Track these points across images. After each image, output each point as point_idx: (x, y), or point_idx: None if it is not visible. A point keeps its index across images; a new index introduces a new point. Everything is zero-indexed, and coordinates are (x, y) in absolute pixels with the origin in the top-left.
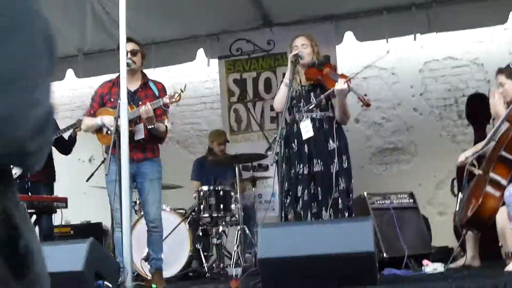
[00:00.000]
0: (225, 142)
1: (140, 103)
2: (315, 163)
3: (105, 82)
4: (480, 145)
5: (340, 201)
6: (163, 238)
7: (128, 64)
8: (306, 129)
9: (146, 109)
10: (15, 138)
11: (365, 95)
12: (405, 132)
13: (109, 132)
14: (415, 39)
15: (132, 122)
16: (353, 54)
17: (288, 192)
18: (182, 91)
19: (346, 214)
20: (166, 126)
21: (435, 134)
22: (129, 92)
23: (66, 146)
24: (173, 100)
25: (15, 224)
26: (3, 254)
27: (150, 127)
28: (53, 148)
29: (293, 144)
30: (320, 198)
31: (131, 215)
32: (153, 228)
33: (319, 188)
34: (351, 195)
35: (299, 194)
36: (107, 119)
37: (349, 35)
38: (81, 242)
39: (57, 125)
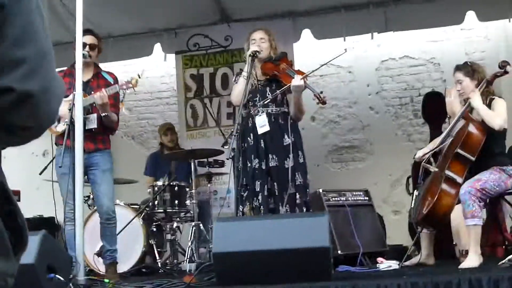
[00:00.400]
0: (170, 131)
1: (92, 92)
2: (270, 158)
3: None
4: (437, 141)
5: (298, 196)
6: (118, 233)
7: (84, 56)
8: (262, 124)
9: (101, 95)
10: (53, 109)
11: (321, 92)
12: (361, 130)
13: (63, 124)
14: (372, 37)
15: (85, 111)
16: (310, 52)
17: (245, 186)
18: (139, 76)
19: (304, 209)
20: (118, 117)
21: (391, 133)
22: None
23: None
24: (130, 85)
25: (12, 200)
26: (8, 227)
27: (103, 114)
28: None
29: (249, 138)
30: (276, 193)
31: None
32: (107, 220)
33: (275, 183)
34: (307, 190)
35: (258, 189)
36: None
37: (307, 33)
38: (33, 235)
39: None
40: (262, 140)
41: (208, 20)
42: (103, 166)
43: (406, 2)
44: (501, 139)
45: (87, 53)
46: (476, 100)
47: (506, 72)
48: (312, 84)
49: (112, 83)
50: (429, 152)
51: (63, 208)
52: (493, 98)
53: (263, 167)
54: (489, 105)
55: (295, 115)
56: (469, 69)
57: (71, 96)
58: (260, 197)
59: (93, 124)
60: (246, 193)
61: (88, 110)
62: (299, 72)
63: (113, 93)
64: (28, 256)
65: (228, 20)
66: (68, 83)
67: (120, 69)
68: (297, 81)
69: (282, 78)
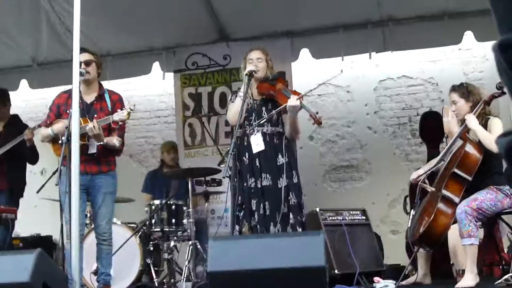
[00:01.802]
0: (174, 149)
1: (95, 115)
2: (263, 177)
3: (62, 92)
4: (433, 162)
5: (291, 216)
6: (113, 252)
7: (81, 74)
8: (257, 143)
9: (91, 126)
10: None
11: (317, 113)
12: (359, 150)
13: (59, 141)
14: (370, 57)
15: (85, 136)
16: (308, 71)
17: (241, 205)
18: (131, 110)
19: (300, 230)
20: (123, 140)
21: (388, 153)
22: (85, 104)
23: (32, 156)
24: (123, 117)
25: None
26: None
27: (99, 143)
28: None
29: (244, 158)
30: (267, 213)
31: (83, 227)
32: (102, 241)
33: (266, 203)
34: (303, 210)
35: (254, 208)
36: (56, 127)
37: (305, 52)
38: (28, 253)
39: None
40: (257, 159)
41: (207, 39)
42: (104, 189)
43: (404, 22)
44: (498, 158)
45: (84, 71)
46: (473, 123)
47: (504, 93)
48: (310, 103)
49: (109, 109)
50: (423, 173)
51: (60, 227)
52: (489, 118)
53: (259, 186)
54: (485, 125)
55: (290, 135)
56: (464, 90)
57: None
58: (256, 216)
59: (93, 149)
60: (242, 213)
61: (88, 135)
62: (295, 92)
63: (105, 124)
64: (24, 274)
65: (227, 39)
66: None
67: (118, 87)
68: (293, 101)
69: (278, 98)
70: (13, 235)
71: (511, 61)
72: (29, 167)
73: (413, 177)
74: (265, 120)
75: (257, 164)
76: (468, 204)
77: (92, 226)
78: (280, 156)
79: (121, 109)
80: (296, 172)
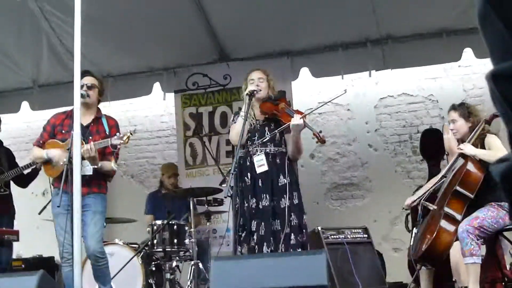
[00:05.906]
0: (175, 176)
1: (90, 138)
2: (263, 198)
3: (59, 113)
4: (432, 182)
5: (292, 236)
6: (115, 273)
7: (82, 96)
8: (261, 163)
9: (87, 148)
10: None
11: (320, 131)
12: (360, 168)
13: (61, 163)
14: (370, 75)
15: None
16: (308, 90)
17: (243, 226)
18: (131, 133)
19: (300, 250)
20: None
21: (390, 170)
22: (81, 126)
23: (24, 179)
24: (122, 141)
25: None
26: None
27: (93, 166)
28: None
29: (246, 178)
30: (262, 233)
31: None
32: (95, 262)
33: (262, 224)
34: (304, 231)
35: (254, 229)
36: (52, 153)
37: (305, 71)
38: (31, 275)
39: (14, 160)
40: (259, 180)
41: (207, 59)
42: (94, 208)
43: (403, 40)
44: None
45: (85, 93)
46: (469, 151)
47: None
48: (311, 122)
49: (107, 133)
50: (417, 199)
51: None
52: (485, 136)
53: (260, 206)
54: (482, 143)
55: (293, 154)
56: (465, 110)
57: (69, 140)
58: (255, 237)
59: (88, 171)
60: (243, 234)
61: (83, 157)
62: (298, 111)
63: (102, 147)
64: None
65: (227, 59)
66: (68, 125)
67: (119, 108)
68: (296, 120)
69: (282, 118)
70: (15, 257)
71: (503, 91)
72: (31, 188)
73: (407, 203)
74: (268, 139)
75: (259, 184)
76: (470, 223)
77: None
78: (281, 176)
79: (119, 133)
80: (298, 193)
